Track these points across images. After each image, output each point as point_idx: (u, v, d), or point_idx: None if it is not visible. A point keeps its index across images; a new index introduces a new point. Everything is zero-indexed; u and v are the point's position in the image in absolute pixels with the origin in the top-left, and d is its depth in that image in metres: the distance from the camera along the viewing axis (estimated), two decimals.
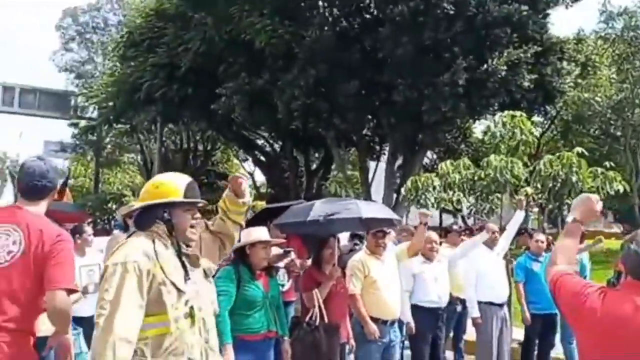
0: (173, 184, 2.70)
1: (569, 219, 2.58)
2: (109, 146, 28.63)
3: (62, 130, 33.47)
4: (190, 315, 2.56)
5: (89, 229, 5.57)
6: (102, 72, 25.75)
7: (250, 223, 5.70)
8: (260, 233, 4.11)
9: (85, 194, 26.04)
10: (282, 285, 4.98)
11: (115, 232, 6.80)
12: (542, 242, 6.58)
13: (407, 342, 6.43)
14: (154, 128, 21.55)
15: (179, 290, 2.55)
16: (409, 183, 9.28)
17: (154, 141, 23.82)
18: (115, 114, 19.36)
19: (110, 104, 19.12)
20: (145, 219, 2.68)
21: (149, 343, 2.49)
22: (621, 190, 8.62)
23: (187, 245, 2.70)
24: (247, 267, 4.00)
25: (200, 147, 25.81)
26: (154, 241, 2.61)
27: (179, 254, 2.62)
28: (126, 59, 18.01)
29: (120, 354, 2.38)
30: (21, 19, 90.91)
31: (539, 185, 8.60)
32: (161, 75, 15.95)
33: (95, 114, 23.09)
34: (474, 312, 5.96)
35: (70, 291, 2.75)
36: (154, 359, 2.49)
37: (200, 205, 2.75)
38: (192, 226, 2.68)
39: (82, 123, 25.52)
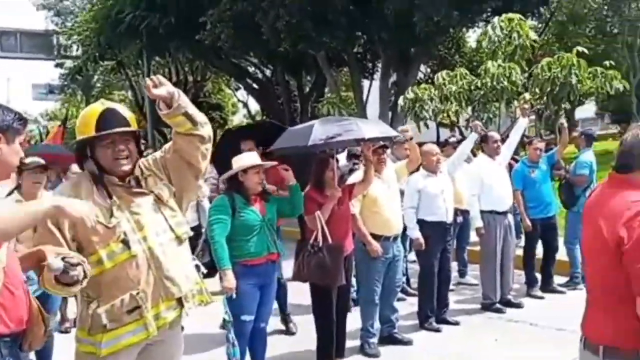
0: (85, 119, 2.57)
1: None
2: (97, 84, 28.13)
3: (49, 72, 32.73)
4: (128, 248, 2.48)
5: (74, 167, 5.55)
6: (82, 7, 24.85)
7: (228, 142, 5.56)
8: (250, 158, 4.03)
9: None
10: None
11: None
12: (540, 149, 6.52)
13: (410, 257, 6.52)
14: (141, 62, 21.05)
15: (105, 226, 2.46)
16: (407, 94, 9.05)
17: (142, 76, 23.36)
18: (99, 51, 18.85)
19: (94, 40, 18.57)
20: (78, 158, 2.65)
21: (90, 283, 2.41)
22: (621, 90, 8.45)
23: (124, 177, 2.58)
24: (241, 193, 3.97)
25: (191, 79, 25.33)
26: (80, 181, 2.58)
27: (106, 189, 2.53)
28: None
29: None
30: None
31: (537, 90, 8.40)
32: (142, 5, 15.37)
33: (79, 52, 22.51)
34: (477, 222, 5.94)
35: None
36: (100, 298, 2.48)
37: (116, 133, 2.53)
38: (118, 158, 2.54)
39: (68, 63, 24.94)
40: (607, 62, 8.72)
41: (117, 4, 16.21)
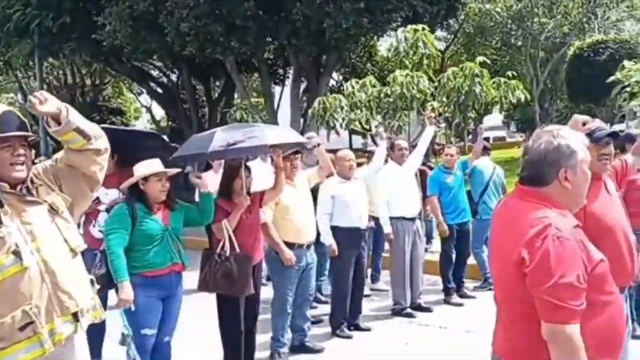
0: None
1: None
2: None
3: None
4: (19, 260, 2.41)
5: None
6: None
7: None
8: (152, 166, 3.98)
9: None
10: None
11: None
12: (453, 155, 6.89)
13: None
14: (32, 63, 20.10)
15: None
16: (315, 104, 9.30)
17: (33, 78, 22.31)
18: None
19: None
20: None
21: None
22: (522, 99, 9.11)
23: (16, 185, 2.51)
24: (142, 202, 3.94)
25: (88, 82, 24.48)
26: None
27: None
28: None
29: None
30: None
31: (444, 99, 8.90)
32: (33, 3, 14.73)
33: None
34: (386, 228, 6.19)
35: None
36: None
37: (18, 136, 2.48)
38: (15, 163, 2.47)
39: None
40: (509, 73, 9.37)
41: (4, 0, 15.44)
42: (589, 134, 3.04)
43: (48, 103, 2.44)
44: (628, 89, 6.52)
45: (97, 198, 4.53)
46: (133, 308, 3.74)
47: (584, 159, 2.10)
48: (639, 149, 3.70)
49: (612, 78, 6.64)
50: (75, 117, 2.50)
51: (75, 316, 2.53)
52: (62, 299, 2.49)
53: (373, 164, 6.37)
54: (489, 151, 7.58)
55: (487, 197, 7.07)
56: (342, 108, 9.25)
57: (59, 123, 2.46)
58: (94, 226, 4.60)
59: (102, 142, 2.62)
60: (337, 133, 9.76)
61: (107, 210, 4.54)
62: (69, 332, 2.53)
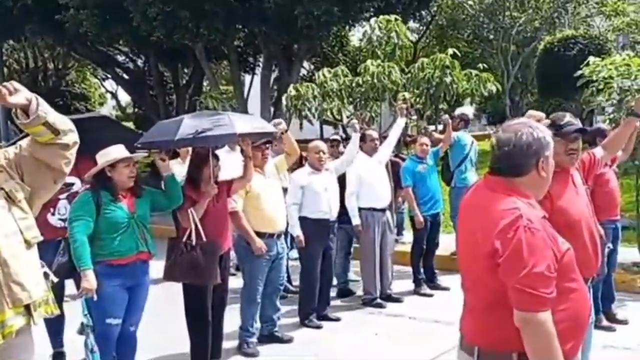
0: None
1: None
2: None
3: None
4: None
5: None
6: None
7: None
8: (118, 151, 3.95)
9: None
10: None
11: None
12: (427, 145, 6.94)
13: (291, 254, 6.71)
14: None
15: None
16: (289, 91, 9.26)
17: None
18: None
19: None
20: None
21: None
22: (494, 91, 9.24)
23: None
24: (108, 189, 3.90)
25: (51, 66, 24.00)
26: None
27: None
28: None
29: None
30: None
31: (415, 90, 8.97)
32: None
33: None
34: (355, 220, 6.20)
35: None
36: None
37: None
38: None
39: None
40: (481, 65, 9.48)
41: None
42: (558, 128, 3.14)
43: (18, 94, 2.37)
44: (595, 84, 6.64)
45: (71, 184, 4.47)
46: (95, 297, 3.71)
47: (552, 150, 2.24)
48: (608, 144, 3.82)
49: (579, 73, 6.76)
50: (46, 110, 2.43)
51: (28, 309, 2.48)
52: (15, 290, 2.42)
53: (345, 156, 6.40)
54: (467, 123, 7.85)
55: (464, 166, 7.46)
56: (314, 97, 9.25)
57: (28, 115, 2.39)
58: (52, 214, 4.53)
59: (71, 137, 2.55)
60: (310, 122, 9.78)
61: (68, 199, 4.50)
62: (21, 324, 2.47)
